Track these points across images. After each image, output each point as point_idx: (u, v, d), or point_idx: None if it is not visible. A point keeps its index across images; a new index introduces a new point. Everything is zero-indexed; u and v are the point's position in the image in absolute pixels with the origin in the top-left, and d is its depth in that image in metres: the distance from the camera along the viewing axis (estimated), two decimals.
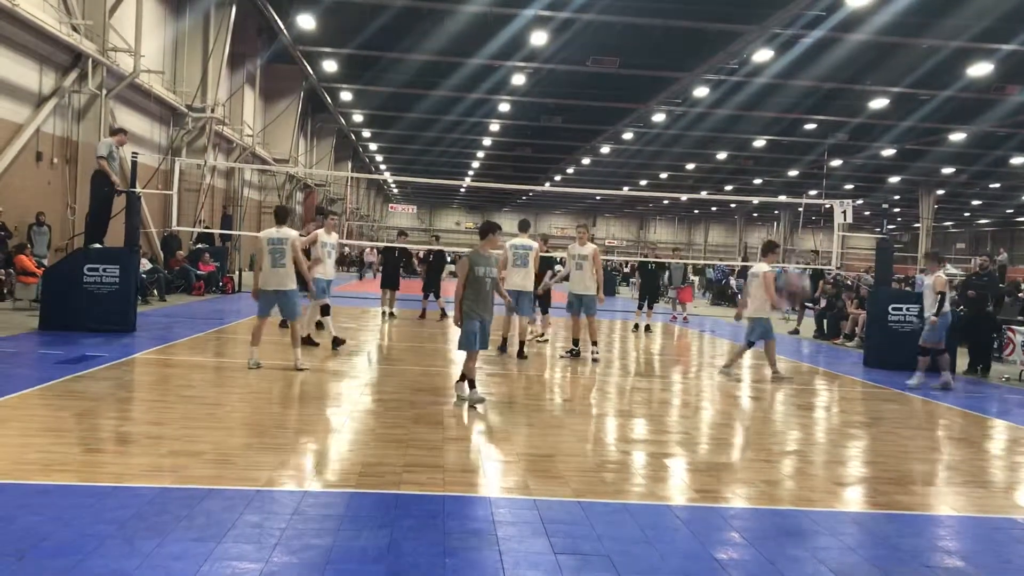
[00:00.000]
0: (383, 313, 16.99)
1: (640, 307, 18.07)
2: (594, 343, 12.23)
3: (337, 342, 11.71)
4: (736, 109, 31.11)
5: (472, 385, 8.20)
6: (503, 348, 12.20)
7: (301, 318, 10.25)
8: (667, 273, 21.33)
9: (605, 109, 32.97)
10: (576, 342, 12.50)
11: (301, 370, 9.52)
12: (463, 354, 8.30)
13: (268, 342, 11.79)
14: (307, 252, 11.47)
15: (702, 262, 36.66)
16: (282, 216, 10.17)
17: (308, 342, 11.54)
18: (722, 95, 29.38)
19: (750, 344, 11.45)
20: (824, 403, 9.90)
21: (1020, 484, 6.60)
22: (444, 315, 17.43)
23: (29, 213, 16.81)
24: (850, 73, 25.52)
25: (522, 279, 11.99)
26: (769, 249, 11.85)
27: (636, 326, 17.94)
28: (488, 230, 8.56)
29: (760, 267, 11.30)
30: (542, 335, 14.12)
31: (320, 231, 12.08)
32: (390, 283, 17.09)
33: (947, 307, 11.13)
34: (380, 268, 18.43)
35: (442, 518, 4.66)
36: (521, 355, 11.91)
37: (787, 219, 65.22)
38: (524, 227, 12.90)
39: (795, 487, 5.91)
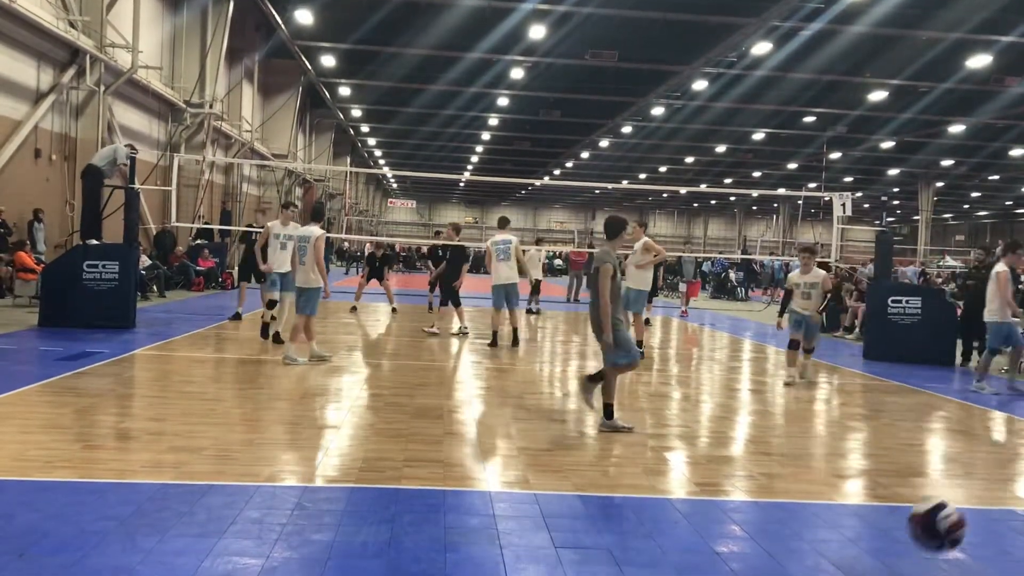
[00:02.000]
0: (352, 308, 17.10)
1: None
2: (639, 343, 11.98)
3: (265, 332, 11.56)
4: (735, 102, 31.09)
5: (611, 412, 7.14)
6: (494, 342, 12.40)
7: (312, 316, 10.03)
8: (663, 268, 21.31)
9: (604, 103, 32.92)
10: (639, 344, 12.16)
11: (289, 364, 9.57)
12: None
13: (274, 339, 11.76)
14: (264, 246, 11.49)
15: (702, 255, 36.65)
16: (318, 214, 10.35)
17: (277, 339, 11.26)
18: (721, 88, 29.36)
19: (993, 352, 10.77)
20: (824, 396, 9.91)
21: (1019, 476, 6.61)
22: (431, 308, 17.63)
23: (28, 210, 16.80)
24: (849, 65, 25.49)
25: (508, 272, 12.45)
26: (1010, 248, 10.86)
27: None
28: (621, 228, 7.39)
29: (998, 267, 10.56)
30: (463, 327, 13.61)
31: (275, 223, 11.69)
32: (371, 277, 17.45)
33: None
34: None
35: (442, 513, 4.67)
36: (515, 343, 12.37)
37: (786, 212, 65.20)
38: (503, 223, 13.17)
39: (795, 480, 5.92)
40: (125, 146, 13.40)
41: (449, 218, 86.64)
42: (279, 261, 11.31)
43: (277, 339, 11.28)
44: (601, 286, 6.97)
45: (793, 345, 10.34)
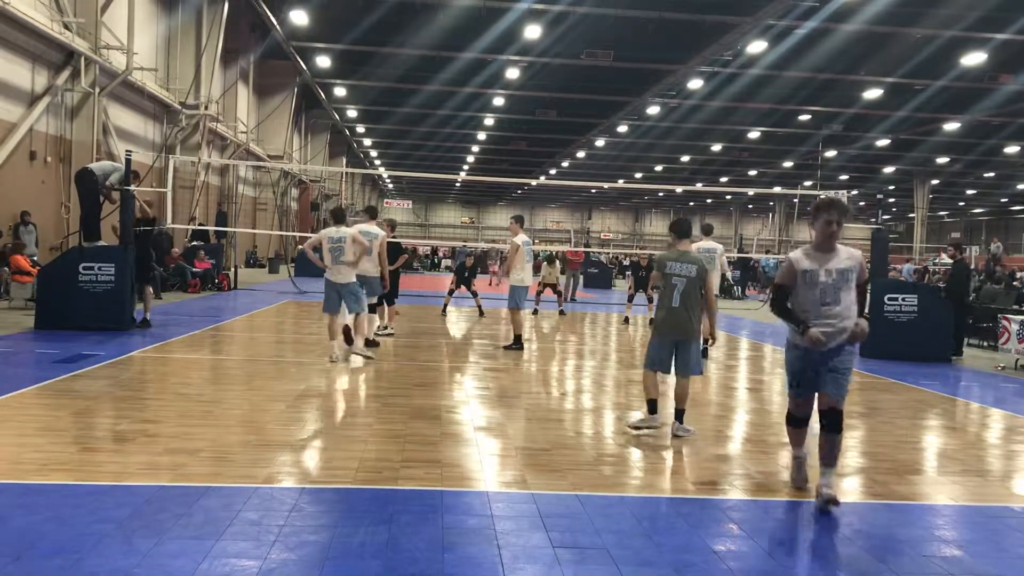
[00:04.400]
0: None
1: (631, 299, 18.19)
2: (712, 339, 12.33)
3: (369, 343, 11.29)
4: (730, 101, 31.13)
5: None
6: (521, 345, 12.32)
7: (364, 312, 10.57)
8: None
9: (599, 102, 32.95)
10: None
11: (365, 358, 10.33)
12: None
13: (274, 339, 11.78)
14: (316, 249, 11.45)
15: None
16: (373, 213, 12.16)
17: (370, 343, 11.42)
18: (716, 87, 29.40)
19: None
20: None
21: (1016, 473, 6.62)
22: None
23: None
24: (844, 64, 25.53)
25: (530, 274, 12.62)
26: None
27: (626, 319, 18.05)
28: (690, 228, 7.50)
29: None
30: (386, 326, 13.35)
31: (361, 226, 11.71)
32: None
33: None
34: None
35: (440, 513, 4.67)
36: (518, 346, 12.24)
37: (782, 210, 65.30)
38: (523, 221, 13.02)
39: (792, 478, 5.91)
40: (126, 152, 13.31)
41: (445, 218, 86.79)
42: (365, 265, 11.34)
43: (369, 342, 11.33)
44: (710, 284, 7.07)
45: (796, 421, 5.55)
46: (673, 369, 7.08)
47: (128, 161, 12.88)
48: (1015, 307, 15.74)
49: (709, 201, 79.17)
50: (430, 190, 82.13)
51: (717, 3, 21.02)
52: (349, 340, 10.40)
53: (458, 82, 29.59)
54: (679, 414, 7.05)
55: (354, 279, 10.38)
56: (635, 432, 7.00)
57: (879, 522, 5.00)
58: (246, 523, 4.35)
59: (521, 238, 12.26)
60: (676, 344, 7.00)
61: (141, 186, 13.35)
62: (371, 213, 12.30)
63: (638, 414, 7.28)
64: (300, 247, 11.12)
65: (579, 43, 24.57)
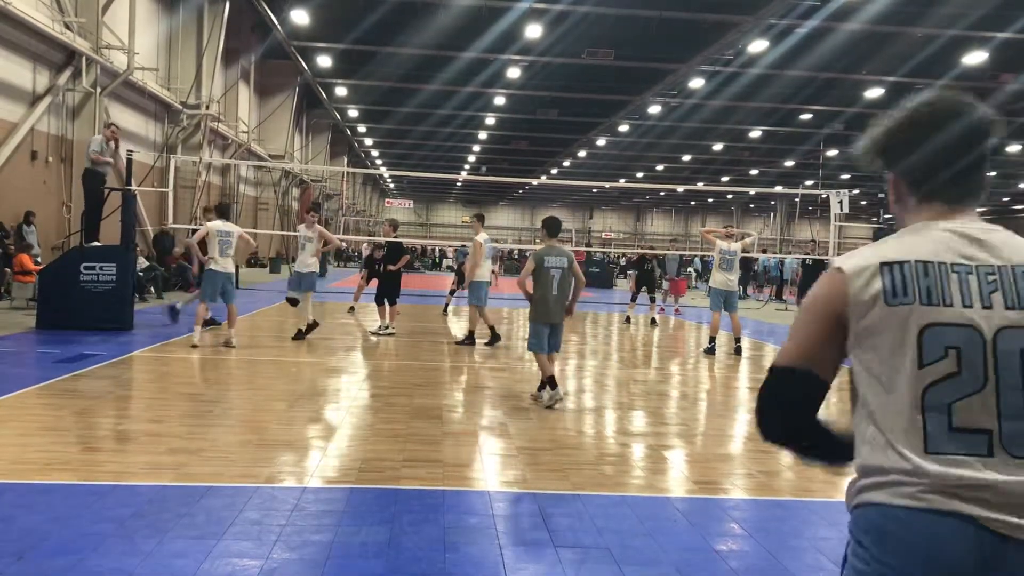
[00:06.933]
0: (350, 308, 17.02)
1: (634, 299, 18.19)
2: (738, 339, 13.03)
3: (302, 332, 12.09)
4: (732, 100, 31.09)
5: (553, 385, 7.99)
6: (496, 338, 12.54)
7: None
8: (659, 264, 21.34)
9: (600, 102, 32.95)
10: (713, 339, 12.92)
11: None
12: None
13: (269, 337, 11.80)
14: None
15: (700, 253, 36.59)
16: (318, 209, 13.05)
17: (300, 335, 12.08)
18: (717, 86, 29.36)
19: None
20: None
21: None
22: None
23: (25, 212, 16.77)
24: (845, 63, 25.51)
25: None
26: None
27: (628, 319, 18.06)
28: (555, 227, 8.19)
29: None
30: (387, 326, 13.24)
31: (302, 226, 12.85)
32: (371, 278, 17.62)
33: None
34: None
35: (442, 512, 4.67)
36: (471, 342, 12.46)
37: (783, 209, 65.25)
38: (483, 220, 13.35)
39: (794, 477, 5.92)
40: (127, 152, 13.33)
41: (446, 218, 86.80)
42: (303, 261, 12.47)
43: (298, 335, 12.01)
44: (576, 269, 8.05)
45: None
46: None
47: (129, 161, 12.89)
48: None
49: (711, 200, 79.12)
50: (431, 189, 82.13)
51: (718, 2, 21.01)
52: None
53: (459, 82, 29.57)
54: (553, 382, 7.93)
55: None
56: (555, 407, 7.75)
57: None
58: (248, 523, 4.35)
59: (482, 236, 12.62)
60: (551, 326, 7.97)
61: (142, 185, 13.38)
62: (315, 210, 13.52)
63: (546, 394, 7.94)
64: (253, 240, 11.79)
65: (580, 42, 24.56)
